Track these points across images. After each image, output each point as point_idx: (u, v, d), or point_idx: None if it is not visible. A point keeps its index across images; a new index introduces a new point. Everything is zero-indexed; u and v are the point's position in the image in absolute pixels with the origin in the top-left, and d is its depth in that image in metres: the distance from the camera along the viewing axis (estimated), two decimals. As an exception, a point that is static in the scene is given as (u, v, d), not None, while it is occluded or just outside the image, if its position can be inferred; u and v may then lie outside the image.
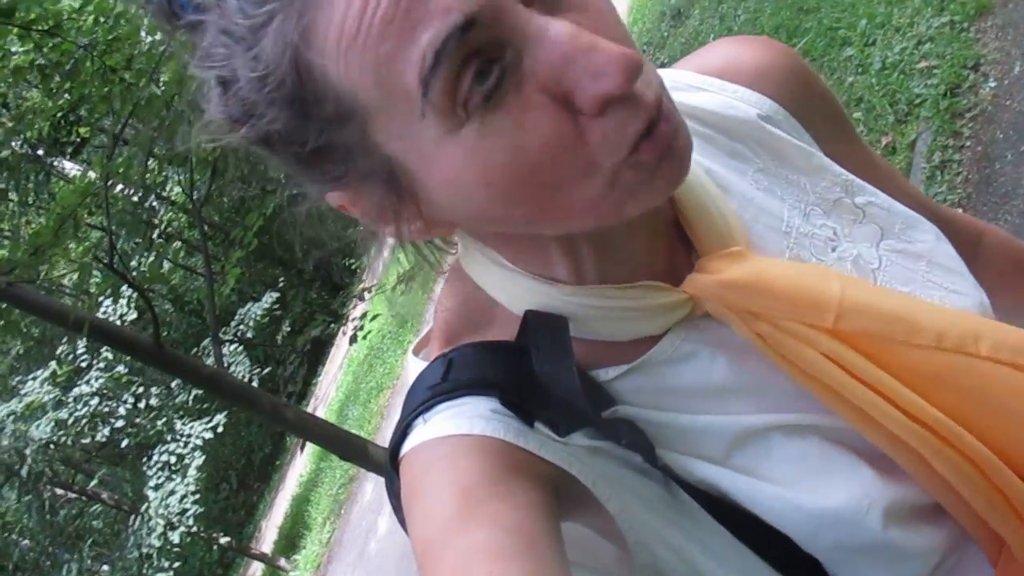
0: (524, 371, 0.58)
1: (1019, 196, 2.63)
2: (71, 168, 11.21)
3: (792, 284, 0.58)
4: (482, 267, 0.62)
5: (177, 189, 9.20)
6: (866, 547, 0.58)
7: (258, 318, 9.66)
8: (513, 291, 0.61)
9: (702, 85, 0.68)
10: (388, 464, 0.60)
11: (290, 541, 10.76)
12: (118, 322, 6.23)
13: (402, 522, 0.57)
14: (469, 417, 0.56)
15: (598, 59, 0.44)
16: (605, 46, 0.44)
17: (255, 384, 8.67)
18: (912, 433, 0.56)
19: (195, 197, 4.45)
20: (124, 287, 5.24)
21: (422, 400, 0.59)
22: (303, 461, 11.91)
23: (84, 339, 8.93)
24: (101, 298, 5.65)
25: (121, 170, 3.61)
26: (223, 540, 9.72)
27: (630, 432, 0.60)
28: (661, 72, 0.69)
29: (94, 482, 11.61)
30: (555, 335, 0.58)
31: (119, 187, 4.15)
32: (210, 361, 7.52)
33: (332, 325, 9.85)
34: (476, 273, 0.63)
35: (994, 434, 0.57)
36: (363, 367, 10.91)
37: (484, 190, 0.49)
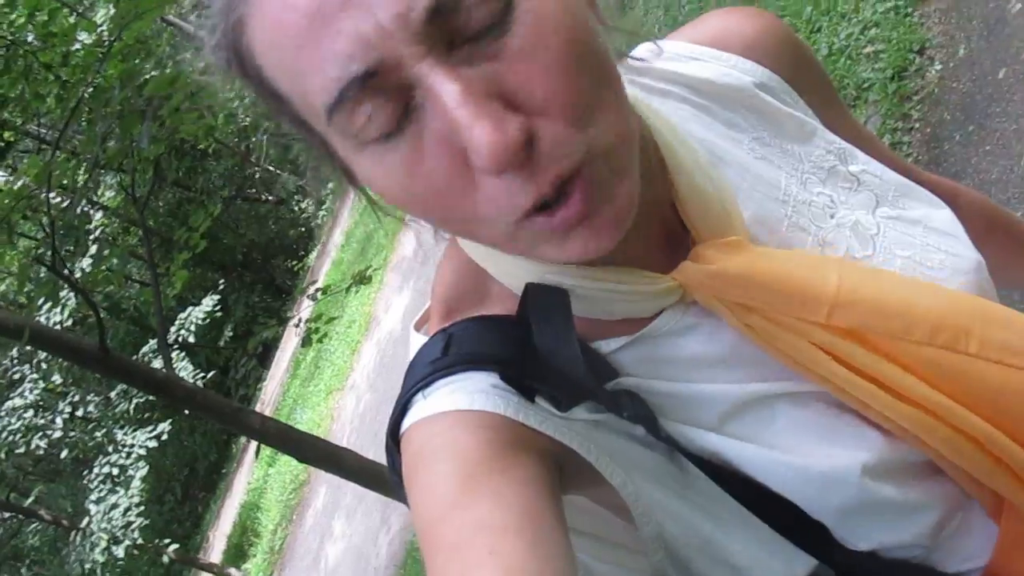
0: (525, 345, 0.58)
1: (968, 175, 2.71)
2: (-5, 174, 10.78)
3: (785, 277, 0.58)
4: (473, 244, 0.62)
5: (109, 193, 8.92)
6: (867, 506, 0.59)
7: (199, 322, 9.44)
8: (506, 267, 0.61)
9: (696, 55, 0.68)
10: (389, 440, 0.60)
11: (240, 550, 10.56)
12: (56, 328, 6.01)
13: (403, 498, 0.57)
14: (469, 392, 0.56)
15: (472, 138, 0.44)
16: (476, 129, 0.43)
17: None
18: (906, 417, 0.58)
19: (137, 197, 4.30)
20: (62, 293, 5.05)
21: (422, 376, 0.59)
22: (251, 467, 11.70)
23: (16, 349, 8.60)
24: (40, 304, 5.44)
25: (65, 178, 3.47)
26: (171, 550, 9.48)
27: (632, 404, 0.60)
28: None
29: (31, 499, 11.21)
30: (556, 307, 0.58)
31: (51, 194, 3.99)
32: (153, 367, 7.30)
33: (279, 329, 9.71)
34: (469, 248, 0.63)
35: (985, 409, 0.58)
36: (310, 369, 10.75)
37: (396, 203, 0.51)
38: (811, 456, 0.59)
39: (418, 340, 0.64)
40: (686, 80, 0.66)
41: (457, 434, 0.55)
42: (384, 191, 0.50)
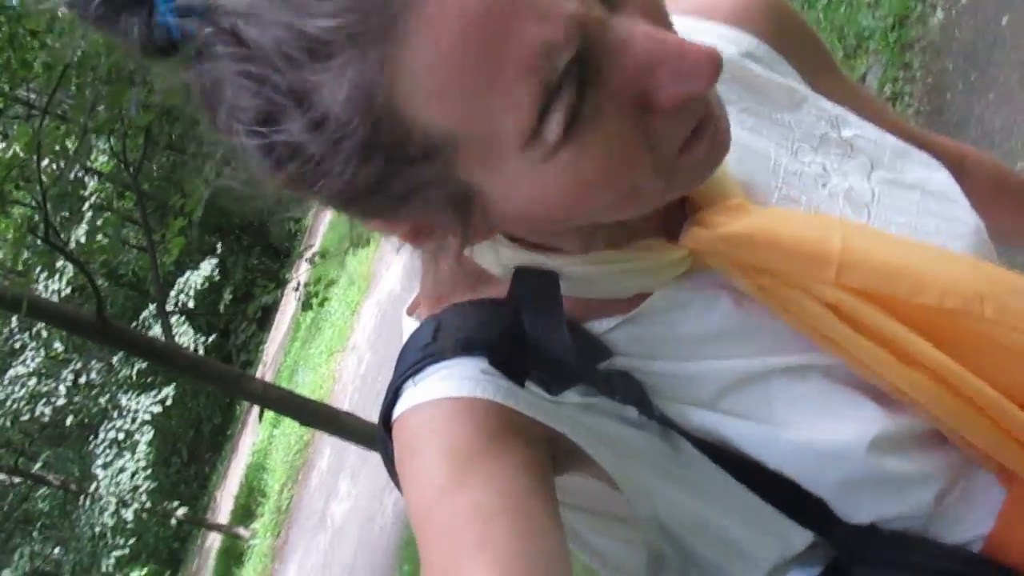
0: (515, 330, 0.57)
1: (971, 125, 2.67)
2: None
3: (793, 237, 0.58)
4: (479, 247, 0.60)
5: (102, 159, 8.86)
6: (870, 480, 0.58)
7: (198, 287, 9.46)
8: (507, 261, 0.59)
9: (679, 28, 0.66)
10: (380, 427, 0.60)
11: (247, 510, 10.71)
12: (54, 299, 6.02)
13: (397, 485, 0.57)
14: (459, 379, 0.56)
15: (687, 63, 0.44)
16: (692, 49, 0.45)
17: (201, 353, 8.51)
18: (910, 381, 0.57)
19: (130, 164, 4.27)
20: (58, 262, 5.05)
21: (412, 362, 0.58)
22: (255, 429, 11.81)
23: (16, 319, 8.63)
24: (38, 273, 5.44)
25: (56, 144, 3.43)
26: (179, 512, 9.63)
27: (625, 385, 0.59)
28: None
29: (38, 465, 11.34)
30: (544, 290, 0.57)
31: (44, 161, 3.96)
32: (153, 333, 7.33)
33: (278, 292, 9.72)
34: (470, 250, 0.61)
35: (996, 376, 0.57)
36: (311, 331, 10.79)
37: (570, 203, 0.49)
38: (811, 430, 0.59)
39: (410, 325, 0.64)
40: None
41: (447, 421, 0.54)
42: (582, 180, 0.47)
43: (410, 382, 0.58)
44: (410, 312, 0.66)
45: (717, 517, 0.59)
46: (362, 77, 0.40)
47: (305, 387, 9.34)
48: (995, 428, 0.57)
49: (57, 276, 6.69)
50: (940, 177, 0.68)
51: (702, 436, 0.60)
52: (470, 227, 0.51)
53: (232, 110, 0.43)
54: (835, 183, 0.65)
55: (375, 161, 0.44)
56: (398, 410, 0.58)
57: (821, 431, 0.58)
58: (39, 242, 3.99)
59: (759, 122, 0.66)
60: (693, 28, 0.66)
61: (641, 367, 0.60)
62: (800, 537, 0.59)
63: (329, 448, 8.23)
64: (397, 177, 0.45)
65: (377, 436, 0.61)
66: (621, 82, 0.44)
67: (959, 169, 0.70)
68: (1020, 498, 0.61)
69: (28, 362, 9.02)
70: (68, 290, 7.21)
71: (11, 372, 9.06)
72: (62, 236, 3.98)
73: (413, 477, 0.54)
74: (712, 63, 0.45)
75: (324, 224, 11.90)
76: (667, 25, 0.47)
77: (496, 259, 0.60)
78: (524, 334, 0.57)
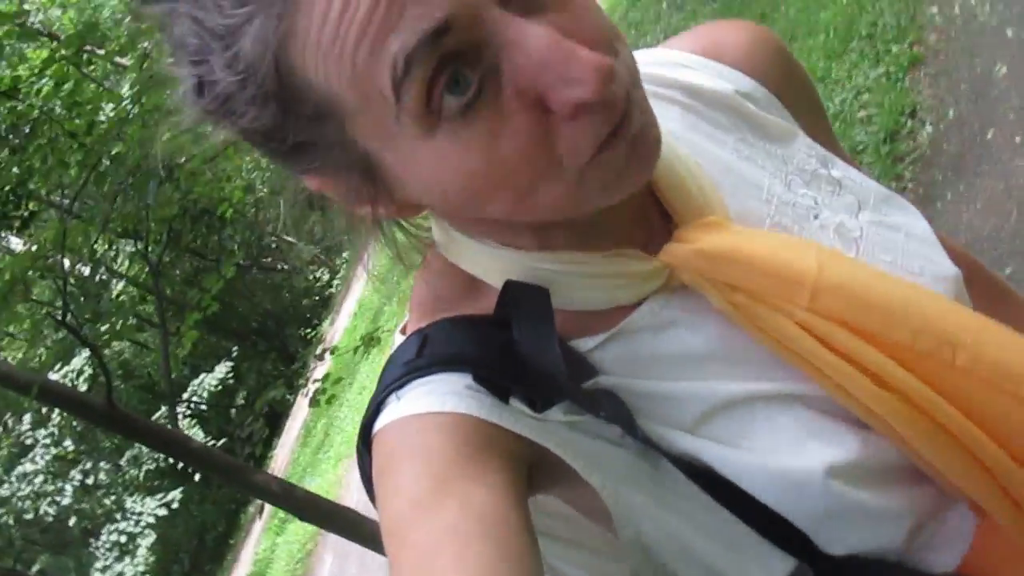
0: (501, 345, 0.57)
1: (960, 232, 2.74)
2: (17, 244, 11.04)
3: (769, 257, 0.58)
4: (451, 240, 0.62)
5: (127, 263, 9.08)
6: (838, 512, 0.58)
7: (212, 388, 9.47)
8: (484, 261, 0.61)
9: (685, 63, 0.70)
10: (359, 441, 0.60)
11: (245, 622, 10.36)
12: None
13: (372, 500, 0.56)
14: (442, 394, 0.56)
15: (574, 68, 0.45)
16: (582, 55, 0.45)
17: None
18: (883, 403, 0.57)
19: (150, 258, 4.39)
20: (75, 353, 5.13)
21: (396, 376, 0.58)
22: (258, 538, 11.56)
23: (30, 416, 8.67)
24: (52, 365, 5.50)
25: (81, 237, 3.56)
26: (175, 623, 9.33)
27: (610, 404, 0.59)
28: (645, 52, 0.71)
29: (36, 567, 11.10)
30: (536, 305, 0.58)
31: (66, 262, 4.07)
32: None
33: (288, 396, 9.69)
34: (447, 248, 0.63)
35: (968, 409, 0.57)
36: (320, 436, 10.72)
37: (458, 191, 0.50)
38: (786, 459, 0.58)
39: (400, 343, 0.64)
40: (673, 83, 0.68)
41: (428, 436, 0.54)
42: (459, 173, 0.49)
43: (393, 396, 0.57)
44: (404, 332, 0.66)
45: (699, 541, 0.59)
46: (264, 30, 0.45)
47: (313, 491, 9.20)
48: (967, 456, 0.57)
49: (76, 374, 6.75)
50: (922, 224, 0.69)
51: (685, 459, 0.59)
52: (377, 196, 0.54)
53: (178, 45, 0.49)
54: (826, 216, 0.66)
55: (272, 108, 0.48)
56: (379, 423, 0.57)
57: (796, 460, 0.58)
58: (57, 334, 4.07)
59: (754, 152, 0.67)
60: (699, 65, 0.69)
61: (625, 386, 0.60)
62: (782, 564, 0.59)
63: (331, 555, 8.04)
64: (292, 128, 0.49)
65: (356, 449, 0.61)
66: (516, 79, 0.46)
67: None
68: (991, 528, 0.60)
69: (37, 459, 8.97)
70: (85, 386, 7.26)
71: (19, 469, 9.00)
72: (78, 323, 4.04)
73: (390, 491, 0.53)
74: (599, 72, 0.45)
75: (340, 332, 12.00)
76: (591, 40, 0.47)
77: (471, 258, 0.61)
78: (511, 349, 0.56)
